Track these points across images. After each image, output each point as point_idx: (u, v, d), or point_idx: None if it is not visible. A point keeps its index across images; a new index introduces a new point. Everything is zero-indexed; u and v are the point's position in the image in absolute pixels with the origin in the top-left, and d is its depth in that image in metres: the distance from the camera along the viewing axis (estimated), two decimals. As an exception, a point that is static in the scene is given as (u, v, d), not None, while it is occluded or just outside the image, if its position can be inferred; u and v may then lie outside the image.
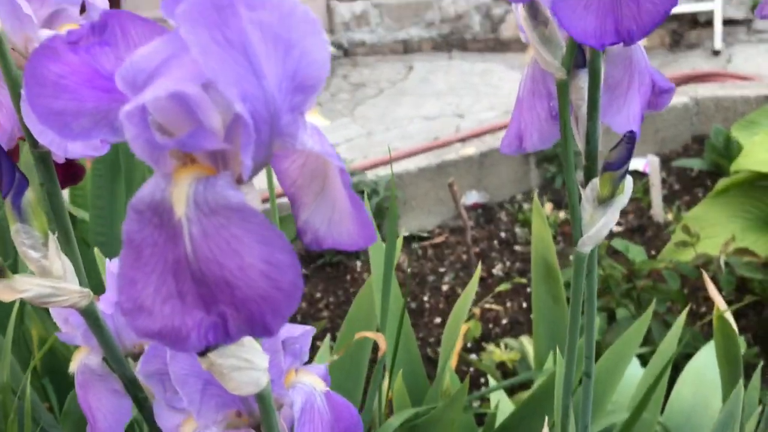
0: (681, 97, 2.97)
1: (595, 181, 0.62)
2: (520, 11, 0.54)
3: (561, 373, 0.83)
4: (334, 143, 3.51)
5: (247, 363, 0.38)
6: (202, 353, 0.35)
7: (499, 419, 1.11)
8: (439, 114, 3.90)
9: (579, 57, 0.57)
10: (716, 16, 4.24)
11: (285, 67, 0.29)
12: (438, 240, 2.66)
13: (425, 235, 2.71)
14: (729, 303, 2.00)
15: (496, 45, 4.77)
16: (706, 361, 1.35)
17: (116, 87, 0.33)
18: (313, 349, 1.21)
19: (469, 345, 2.08)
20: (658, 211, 2.54)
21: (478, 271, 1.26)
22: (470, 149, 2.75)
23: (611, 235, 2.49)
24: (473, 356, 2.03)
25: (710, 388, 1.23)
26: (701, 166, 2.72)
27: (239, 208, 0.30)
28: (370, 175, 2.68)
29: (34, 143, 0.51)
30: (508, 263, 2.49)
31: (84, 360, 0.61)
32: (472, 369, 1.99)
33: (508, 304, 2.30)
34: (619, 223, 2.59)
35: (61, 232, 0.53)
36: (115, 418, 0.62)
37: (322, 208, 0.35)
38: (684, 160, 2.78)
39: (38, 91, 0.33)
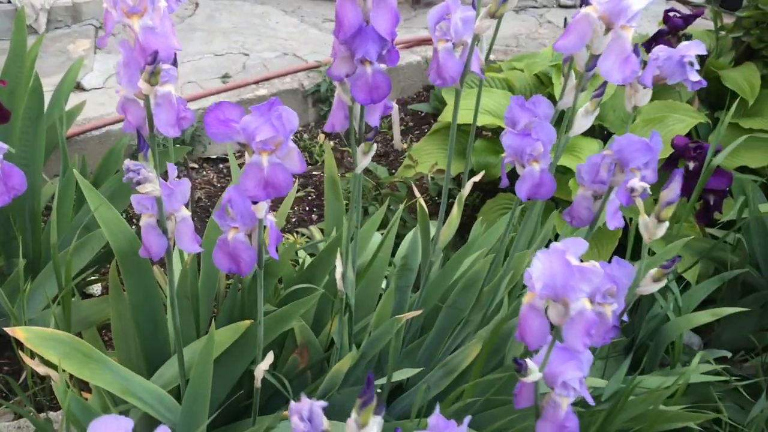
0: (415, 56, 4.02)
1: (363, 145, 1.53)
2: (338, 85, 1.41)
3: (344, 237, 1.74)
4: (136, 75, 4.06)
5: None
6: (255, 203, 1.18)
7: (307, 263, 2.03)
8: (227, 51, 4.56)
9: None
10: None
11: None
12: (239, 162, 3.47)
13: (227, 157, 3.49)
14: (435, 198, 3.10)
15: (272, -11, 5.48)
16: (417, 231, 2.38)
17: (229, 125, 1.15)
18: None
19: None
20: (397, 141, 3.59)
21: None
22: (263, 90, 3.55)
23: (366, 158, 3.49)
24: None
25: (418, 245, 2.24)
26: (428, 109, 3.81)
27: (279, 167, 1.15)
28: (184, 109, 3.37)
29: (151, 130, 1.25)
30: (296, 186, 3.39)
31: (148, 220, 1.39)
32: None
33: (295, 209, 3.21)
34: (371, 150, 3.60)
35: (159, 168, 1.30)
36: (159, 247, 1.41)
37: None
38: (416, 104, 3.85)
39: (208, 125, 1.13)
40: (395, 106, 3.51)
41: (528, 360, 1.06)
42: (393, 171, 3.38)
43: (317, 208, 3.19)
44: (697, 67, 1.37)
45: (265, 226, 1.29)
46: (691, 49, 1.37)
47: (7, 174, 1.22)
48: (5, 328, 1.42)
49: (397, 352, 1.84)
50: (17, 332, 1.43)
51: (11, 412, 2.11)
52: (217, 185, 3.33)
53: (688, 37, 2.85)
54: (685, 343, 2.23)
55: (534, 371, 1.06)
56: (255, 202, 1.19)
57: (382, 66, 1.37)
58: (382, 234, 2.33)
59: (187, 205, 1.44)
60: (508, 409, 1.67)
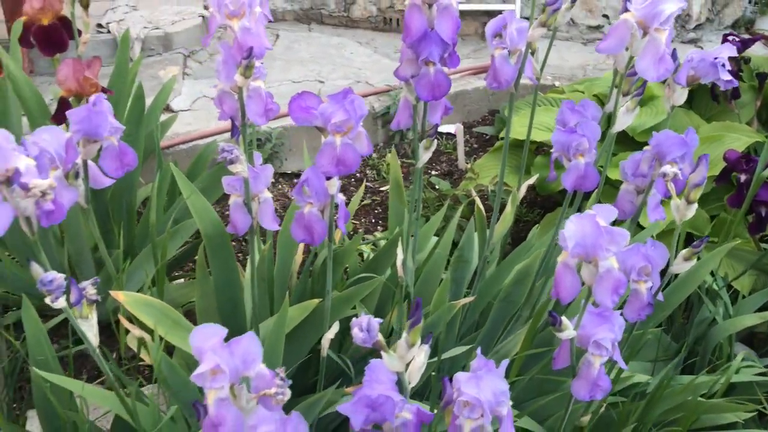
0: (482, 82, 4.19)
1: (424, 141, 1.70)
2: (404, 86, 1.59)
3: (405, 228, 1.91)
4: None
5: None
6: (329, 178, 1.36)
7: (371, 256, 2.20)
8: (304, 79, 4.85)
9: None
10: (516, 14, 5.54)
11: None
12: (312, 176, 3.70)
13: (301, 172, 3.73)
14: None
15: (348, 22, 5.79)
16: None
17: (309, 111, 1.35)
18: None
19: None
20: (461, 161, 3.75)
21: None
22: (336, 111, 3.80)
23: (431, 175, 3.67)
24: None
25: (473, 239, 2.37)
26: (492, 132, 3.97)
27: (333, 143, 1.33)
28: (264, 127, 3.64)
29: (243, 119, 1.46)
30: (362, 193, 3.59)
31: (236, 200, 1.59)
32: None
33: (362, 220, 3.41)
34: (436, 169, 3.78)
35: (246, 151, 1.50)
36: (245, 223, 1.61)
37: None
38: (481, 127, 4.02)
39: (292, 111, 1.33)
40: (460, 127, 3.69)
41: (563, 317, 1.19)
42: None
43: (383, 220, 3.37)
44: (728, 67, 1.49)
45: (336, 204, 1.48)
46: (723, 52, 1.50)
47: (123, 152, 1.45)
48: (110, 291, 1.65)
49: (453, 337, 1.98)
50: (119, 295, 1.65)
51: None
52: (292, 198, 3.57)
53: (747, 61, 2.93)
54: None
55: (568, 327, 1.19)
56: (328, 179, 1.38)
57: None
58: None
59: (269, 189, 1.64)
60: (551, 394, 1.79)
